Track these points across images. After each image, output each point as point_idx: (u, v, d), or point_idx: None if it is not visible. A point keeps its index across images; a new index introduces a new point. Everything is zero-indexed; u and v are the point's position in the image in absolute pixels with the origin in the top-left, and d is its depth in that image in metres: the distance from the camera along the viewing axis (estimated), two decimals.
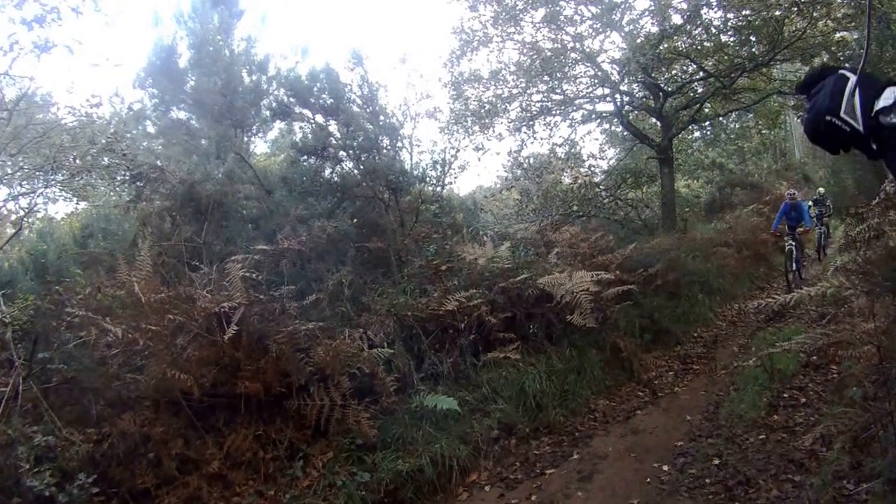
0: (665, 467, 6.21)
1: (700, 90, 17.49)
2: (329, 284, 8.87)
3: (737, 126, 22.64)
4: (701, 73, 17.03)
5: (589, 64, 16.94)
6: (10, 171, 11.23)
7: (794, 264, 14.44)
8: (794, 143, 31.39)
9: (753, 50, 15.75)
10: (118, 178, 11.15)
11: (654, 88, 17.51)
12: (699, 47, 16.43)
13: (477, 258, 9.83)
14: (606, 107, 18.45)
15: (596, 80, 17.47)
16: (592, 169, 19.36)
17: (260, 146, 17.18)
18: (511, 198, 19.92)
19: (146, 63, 14.58)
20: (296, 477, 5.94)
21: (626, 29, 16.12)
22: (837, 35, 15.19)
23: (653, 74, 16.55)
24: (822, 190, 20.89)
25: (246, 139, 15.31)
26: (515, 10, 16.14)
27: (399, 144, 13.51)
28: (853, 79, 1.50)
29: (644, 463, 6.39)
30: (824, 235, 19.55)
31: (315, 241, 10.01)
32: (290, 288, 7.60)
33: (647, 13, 15.85)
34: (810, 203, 19.13)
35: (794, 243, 14.33)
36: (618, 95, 17.62)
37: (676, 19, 15.66)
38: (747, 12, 14.94)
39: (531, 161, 18.97)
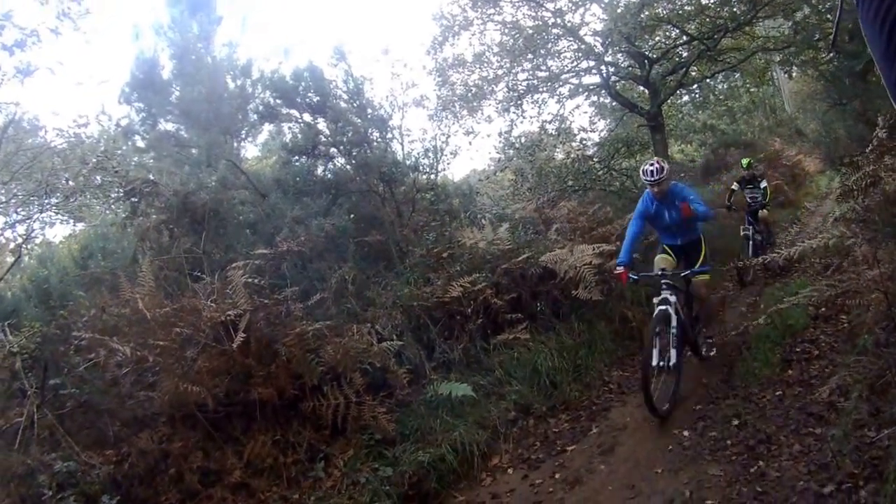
0: (685, 433, 6.21)
1: (685, 54, 17.47)
2: (332, 282, 8.86)
3: (725, 87, 22.72)
4: (684, 38, 16.98)
5: (571, 38, 16.90)
6: (3, 198, 11.23)
7: (663, 353, 6.64)
8: (783, 99, 31.35)
9: (734, 9, 15.73)
10: (112, 195, 11.16)
11: (638, 57, 17.48)
12: (680, 11, 16.41)
13: (477, 242, 9.82)
14: (593, 79, 18.43)
15: (580, 54, 17.43)
16: (584, 142, 19.30)
17: (250, 150, 17.25)
18: (505, 178, 19.93)
19: (130, 77, 14.58)
20: (318, 478, 5.94)
21: (606, 0, 16.08)
22: None
23: (636, 43, 16.55)
24: (747, 161, 13.88)
25: (236, 145, 15.32)
26: None
27: (389, 136, 13.49)
28: None
29: (664, 430, 6.39)
30: (756, 242, 12.55)
31: (314, 241, 10.01)
32: (293, 289, 7.59)
33: None
34: (734, 186, 13.59)
35: (672, 296, 6.87)
36: (603, 67, 17.57)
37: None
38: None
39: (522, 140, 18.93)
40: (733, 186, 13.82)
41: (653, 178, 7.30)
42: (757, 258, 11.02)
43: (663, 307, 6.78)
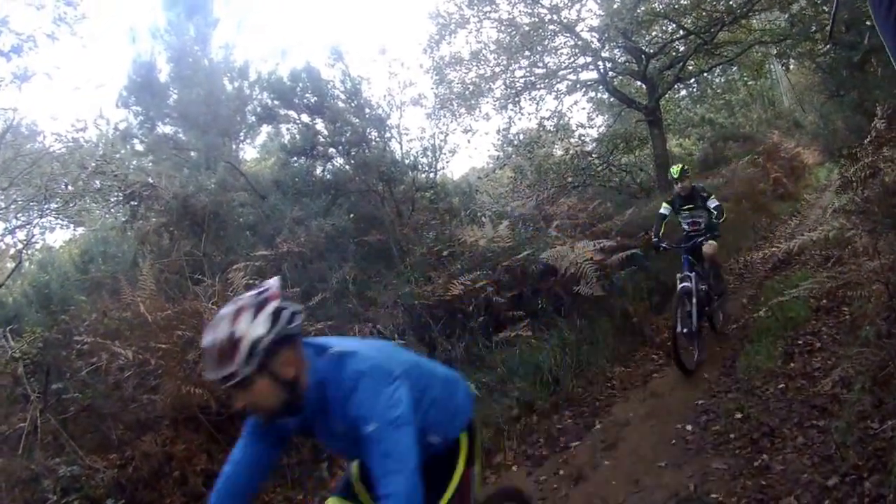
0: (688, 427, 6.21)
1: (682, 48, 17.42)
2: (333, 282, 8.88)
3: (722, 80, 22.69)
4: (681, 32, 16.95)
5: (568, 34, 16.87)
6: (3, 204, 11.23)
7: None
8: (781, 91, 31.33)
9: (730, 3, 15.70)
10: (112, 199, 11.17)
11: (635, 52, 17.46)
12: (676, 6, 16.39)
13: (477, 240, 9.82)
14: (590, 75, 18.37)
15: (577, 50, 17.40)
16: (583, 138, 19.31)
17: (249, 152, 17.21)
18: (505, 176, 19.91)
19: (127, 81, 14.56)
20: (322, 478, 5.94)
21: None
22: None
23: (633, 38, 16.52)
24: (677, 169, 9.03)
25: (234, 147, 15.30)
26: None
27: (387, 135, 13.51)
28: None
29: (667, 425, 6.38)
30: (700, 297, 8.01)
31: (314, 241, 10.02)
32: (294, 290, 7.60)
33: None
34: (663, 209, 9.00)
35: None
36: (600, 62, 17.55)
37: None
38: None
39: (521, 137, 18.93)
40: (662, 210, 9.03)
41: (219, 374, 2.30)
42: (702, 323, 8.13)
43: None
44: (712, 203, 8.65)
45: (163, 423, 5.93)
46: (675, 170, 8.94)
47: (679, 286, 7.85)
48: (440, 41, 16.86)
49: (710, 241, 8.51)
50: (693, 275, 7.99)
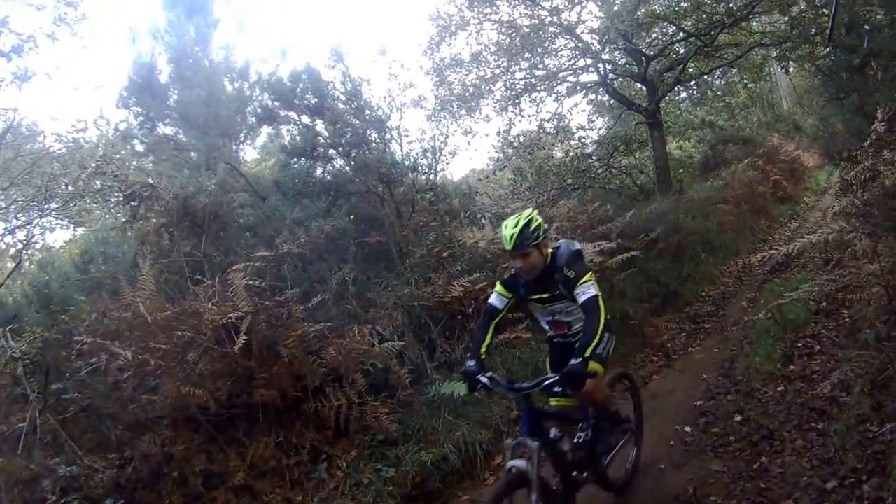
0: (688, 428, 6.22)
1: (682, 51, 17.44)
2: (333, 284, 8.86)
3: (722, 83, 22.62)
4: (681, 34, 16.97)
5: (568, 36, 16.87)
6: (3, 204, 11.22)
7: None
8: (781, 95, 31.31)
9: (731, 5, 15.70)
10: (112, 199, 11.15)
11: (635, 54, 17.47)
12: (676, 8, 16.41)
13: (477, 241, 9.81)
14: (590, 77, 18.38)
15: (577, 52, 17.40)
16: (583, 140, 19.29)
17: (249, 153, 17.15)
18: (505, 178, 19.92)
19: (127, 82, 14.53)
20: (321, 480, 5.94)
21: None
22: None
23: (633, 40, 16.54)
24: (511, 231, 4.34)
25: (235, 147, 15.28)
26: None
27: (388, 137, 13.44)
28: None
29: (666, 426, 6.39)
30: (566, 489, 4.43)
31: (314, 242, 9.99)
32: (294, 291, 7.57)
33: None
34: (495, 298, 4.79)
35: None
36: (600, 65, 17.54)
37: None
38: None
39: (521, 139, 18.92)
40: (493, 300, 4.86)
41: None
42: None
43: None
44: (583, 294, 4.48)
45: (162, 423, 5.92)
46: (507, 233, 4.44)
47: (507, 464, 4.11)
48: (440, 43, 16.86)
49: (591, 369, 4.18)
50: (536, 445, 4.13)
